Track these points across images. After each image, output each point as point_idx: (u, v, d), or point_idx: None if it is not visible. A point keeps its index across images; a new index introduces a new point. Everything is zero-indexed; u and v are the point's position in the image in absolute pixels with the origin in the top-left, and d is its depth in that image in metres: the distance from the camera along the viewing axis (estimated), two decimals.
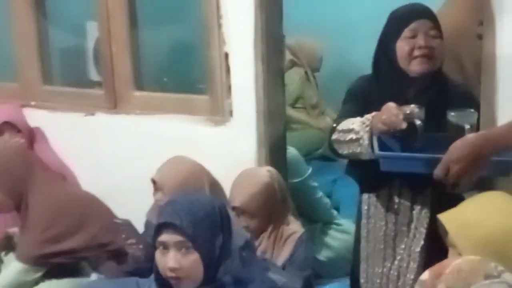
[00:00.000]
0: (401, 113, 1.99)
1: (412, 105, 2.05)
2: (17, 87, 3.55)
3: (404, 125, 1.98)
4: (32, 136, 3.31)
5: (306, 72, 4.51)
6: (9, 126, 3.25)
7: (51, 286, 2.74)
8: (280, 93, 2.79)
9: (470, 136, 1.87)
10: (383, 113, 2.05)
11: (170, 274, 1.86)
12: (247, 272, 1.91)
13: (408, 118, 2.00)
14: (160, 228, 1.86)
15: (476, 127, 2.04)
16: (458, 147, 1.84)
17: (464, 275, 1.26)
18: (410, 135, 2.04)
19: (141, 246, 2.47)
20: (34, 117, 3.39)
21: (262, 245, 2.49)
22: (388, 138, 2.09)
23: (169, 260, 1.84)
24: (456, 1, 2.99)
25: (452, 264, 1.30)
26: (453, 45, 2.59)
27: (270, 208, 2.47)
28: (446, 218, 1.72)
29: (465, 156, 1.82)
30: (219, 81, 2.79)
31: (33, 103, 3.46)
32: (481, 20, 2.27)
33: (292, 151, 3.17)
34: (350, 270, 2.59)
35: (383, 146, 2.05)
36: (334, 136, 2.26)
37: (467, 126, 1.97)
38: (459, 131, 1.97)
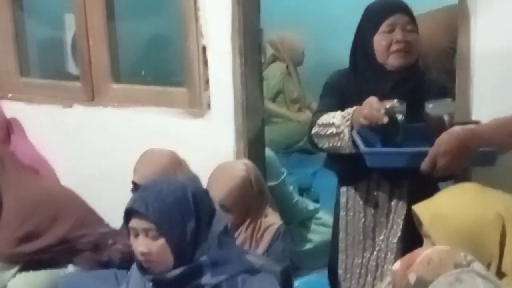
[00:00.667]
0: (382, 107, 2.01)
1: (394, 100, 2.06)
2: None
3: (385, 120, 1.99)
4: (9, 128, 3.28)
5: (287, 67, 4.52)
6: None
7: (28, 279, 2.73)
8: (258, 86, 2.78)
9: (457, 130, 1.88)
10: (364, 107, 2.06)
11: (141, 258, 1.90)
12: (225, 254, 1.93)
13: (390, 113, 2.02)
14: (129, 214, 1.91)
15: (453, 116, 2.06)
16: (444, 141, 1.86)
17: (434, 265, 1.28)
18: (392, 129, 2.05)
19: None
20: (11, 109, 3.37)
21: (240, 237, 2.48)
22: (367, 132, 2.10)
23: (139, 245, 1.89)
24: (430, 19, 3.07)
25: (422, 254, 1.32)
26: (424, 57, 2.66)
27: (247, 201, 2.47)
28: (420, 209, 1.74)
29: (452, 149, 1.85)
30: (197, 74, 2.78)
31: (10, 95, 3.44)
32: (455, 37, 2.30)
33: (268, 152, 3.15)
34: (328, 261, 2.62)
35: (366, 142, 2.06)
36: (314, 130, 2.28)
37: (445, 117, 1.98)
38: (439, 122, 1.98)
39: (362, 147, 2.03)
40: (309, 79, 4.59)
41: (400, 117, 2.04)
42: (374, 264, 2.42)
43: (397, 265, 1.34)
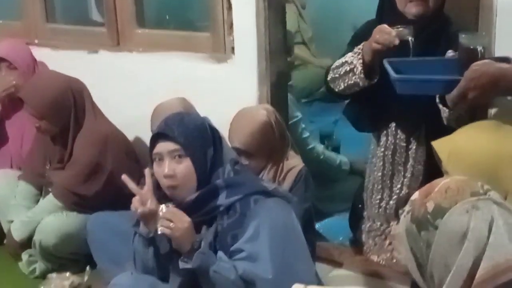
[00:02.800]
0: (393, 31, 2.12)
1: (400, 26, 2.15)
2: (20, 25, 3.57)
3: (397, 41, 2.10)
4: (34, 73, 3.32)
5: (297, 7, 4.52)
6: (6, 63, 3.26)
7: (61, 217, 2.81)
8: (281, 30, 2.78)
9: (490, 66, 1.88)
10: (375, 33, 2.15)
11: (166, 182, 1.98)
12: (239, 178, 2.03)
13: (399, 36, 2.12)
14: (155, 140, 2.00)
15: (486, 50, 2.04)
16: (476, 75, 1.87)
17: (452, 193, 1.31)
18: (403, 52, 2.14)
19: None
20: (38, 54, 3.41)
21: None
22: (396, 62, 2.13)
23: (164, 168, 1.96)
24: None
25: (440, 183, 1.35)
26: None
27: (269, 146, 2.49)
28: (439, 145, 1.77)
29: (482, 85, 1.86)
30: (220, 18, 2.79)
31: (36, 41, 3.48)
32: None
33: None
34: (352, 204, 2.68)
35: (396, 70, 2.08)
36: (329, 76, 2.35)
37: (479, 48, 1.96)
38: (472, 52, 1.97)
39: (392, 73, 2.06)
40: (316, 21, 4.61)
41: (409, 38, 2.13)
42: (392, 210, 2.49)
43: (416, 194, 1.37)
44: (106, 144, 2.85)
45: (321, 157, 3.44)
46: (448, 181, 1.35)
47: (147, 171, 2.02)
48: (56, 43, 3.42)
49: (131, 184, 2.01)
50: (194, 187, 1.97)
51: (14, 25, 3.62)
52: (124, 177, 2.03)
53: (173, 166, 1.96)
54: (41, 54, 3.42)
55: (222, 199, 1.97)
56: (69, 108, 2.85)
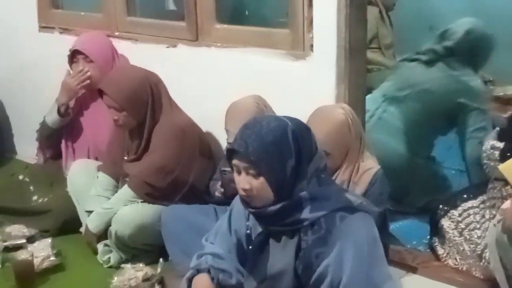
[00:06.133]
0: None
1: None
2: (102, 17, 3.64)
3: None
4: (114, 65, 3.37)
5: (380, 11, 4.43)
6: (82, 55, 3.32)
7: (137, 208, 2.86)
8: (362, 28, 2.74)
9: None
10: None
11: (242, 193, 1.98)
12: (324, 190, 1.97)
13: None
14: (231, 152, 1.98)
15: None
16: None
17: None
18: None
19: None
20: (118, 47, 3.48)
21: (338, 181, 2.50)
22: None
23: (240, 181, 1.97)
24: None
25: None
26: None
27: (345, 145, 2.48)
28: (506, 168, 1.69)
29: None
30: (301, 15, 2.76)
31: (117, 33, 3.54)
32: None
33: None
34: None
35: None
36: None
37: None
38: None
39: None
40: (401, 25, 4.49)
41: None
42: None
43: (507, 203, 1.33)
44: (183, 137, 2.88)
45: None
46: None
47: None
48: (135, 36, 3.47)
49: None
50: (271, 198, 1.95)
51: (96, 17, 3.69)
52: None
53: (249, 180, 1.95)
54: (121, 46, 3.48)
55: (307, 213, 1.93)
56: (146, 101, 2.90)
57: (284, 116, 2.02)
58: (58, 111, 3.33)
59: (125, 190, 2.91)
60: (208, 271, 2.15)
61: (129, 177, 2.94)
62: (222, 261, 2.17)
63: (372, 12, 4.34)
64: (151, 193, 2.87)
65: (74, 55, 3.34)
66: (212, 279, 2.14)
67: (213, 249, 2.22)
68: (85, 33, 3.51)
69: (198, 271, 2.18)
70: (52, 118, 3.36)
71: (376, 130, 3.28)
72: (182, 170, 2.88)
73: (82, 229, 3.06)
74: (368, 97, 3.39)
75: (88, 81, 3.28)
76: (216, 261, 2.18)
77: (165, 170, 2.86)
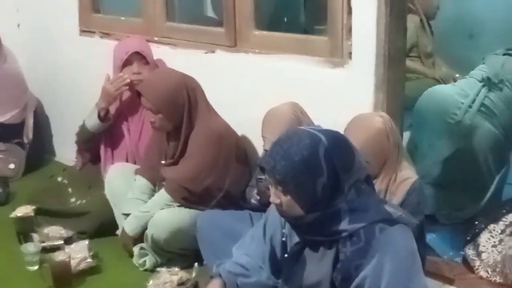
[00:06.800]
0: None
1: None
2: (141, 22, 3.68)
3: None
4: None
5: (421, 20, 4.39)
6: (139, 57, 3.37)
7: (173, 212, 2.88)
8: (402, 37, 2.72)
9: None
10: None
11: (274, 205, 2.00)
12: (363, 202, 1.94)
13: None
14: (262, 168, 1.99)
15: None
16: None
17: None
18: None
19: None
20: (157, 52, 3.51)
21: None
22: None
23: (271, 194, 1.97)
24: None
25: None
26: None
27: (383, 154, 2.46)
28: None
29: None
30: (340, 23, 2.76)
31: (156, 38, 3.57)
32: None
33: None
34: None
35: None
36: None
37: None
38: None
39: None
40: (442, 33, 4.45)
41: None
42: None
43: None
44: (219, 143, 2.90)
45: None
46: None
47: None
48: (174, 41, 3.50)
49: None
50: (301, 213, 1.93)
51: (136, 22, 3.73)
52: None
53: (278, 195, 1.94)
54: (160, 51, 3.51)
55: (345, 225, 1.91)
56: (183, 104, 2.92)
57: (320, 130, 1.97)
58: (98, 116, 3.37)
59: (162, 194, 2.93)
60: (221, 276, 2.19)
61: (166, 181, 2.96)
62: (242, 269, 2.19)
63: (413, 20, 4.31)
64: (188, 197, 2.89)
65: (129, 58, 3.37)
66: (225, 284, 2.17)
67: (237, 259, 2.24)
68: (134, 37, 3.55)
69: (211, 277, 2.22)
70: (92, 122, 3.40)
71: (480, 116, 3.22)
72: (218, 176, 2.89)
73: (119, 232, 3.09)
74: (463, 81, 3.37)
75: (127, 87, 3.33)
76: (235, 266, 2.20)
77: (201, 175, 2.88)
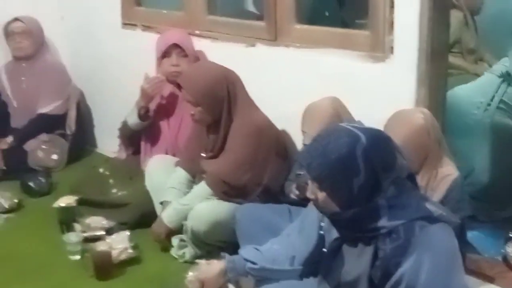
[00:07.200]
0: None
1: None
2: (183, 16, 3.70)
3: None
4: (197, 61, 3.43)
5: (465, 16, 4.32)
6: (178, 49, 3.40)
7: (213, 204, 2.90)
8: (445, 32, 2.69)
9: None
10: None
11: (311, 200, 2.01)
12: (403, 199, 1.93)
13: None
14: (300, 165, 1.98)
15: None
16: None
17: None
18: None
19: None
20: (197, 45, 3.53)
21: None
22: None
23: (308, 189, 1.98)
24: None
25: None
26: None
27: (424, 150, 2.44)
28: None
29: None
30: (381, 17, 2.73)
31: (197, 32, 3.59)
32: None
33: None
34: None
35: None
36: None
37: None
38: None
39: None
40: (486, 29, 4.37)
41: None
42: None
43: None
44: (259, 137, 2.90)
45: None
46: None
47: None
48: (215, 34, 3.51)
49: None
50: (337, 209, 1.94)
51: (177, 15, 3.76)
52: None
53: (314, 190, 1.95)
54: (201, 45, 3.54)
55: (384, 221, 1.89)
56: (222, 98, 2.93)
57: (360, 129, 1.95)
58: (139, 115, 3.41)
59: (202, 187, 2.95)
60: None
61: (207, 174, 2.98)
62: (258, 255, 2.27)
63: (456, 16, 4.25)
64: (228, 191, 2.91)
65: (168, 50, 3.40)
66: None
67: (261, 247, 2.32)
68: (175, 30, 3.57)
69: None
70: (133, 120, 3.45)
71: (499, 113, 3.18)
72: (258, 170, 2.91)
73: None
74: (483, 77, 3.32)
75: (163, 88, 3.39)
76: (250, 252, 2.29)
77: (241, 169, 2.89)
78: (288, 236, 2.32)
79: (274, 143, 2.98)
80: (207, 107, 2.93)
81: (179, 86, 3.04)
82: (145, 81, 3.38)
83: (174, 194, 3.06)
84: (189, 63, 3.36)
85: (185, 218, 2.93)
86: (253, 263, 2.26)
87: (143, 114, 3.42)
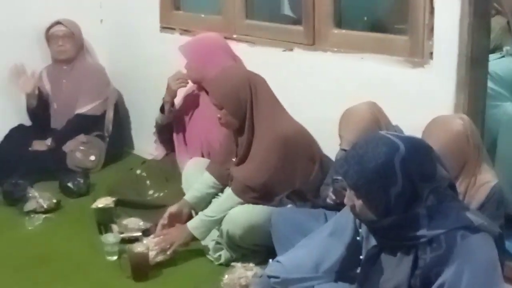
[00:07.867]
0: None
1: None
2: (221, 20, 3.72)
3: None
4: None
5: (508, 22, 4.26)
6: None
7: (248, 209, 2.91)
8: (485, 37, 2.66)
9: None
10: None
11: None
12: (443, 208, 1.90)
13: None
14: (337, 172, 1.99)
15: None
16: None
17: None
18: None
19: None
20: (235, 49, 3.55)
21: None
22: None
23: (346, 196, 1.98)
24: None
25: None
26: None
27: (463, 157, 2.41)
28: None
29: None
30: (421, 22, 2.72)
31: (235, 36, 3.61)
32: None
33: None
34: None
35: None
36: None
37: None
38: None
39: None
40: None
41: None
42: None
43: None
44: (285, 145, 2.90)
45: None
46: None
47: None
48: (253, 39, 3.53)
49: None
50: (374, 218, 1.92)
51: (215, 19, 3.78)
52: None
53: (352, 197, 1.94)
54: (239, 49, 3.55)
55: (424, 230, 1.87)
56: (245, 99, 2.95)
57: (400, 137, 1.93)
58: (161, 107, 3.49)
59: (228, 197, 2.97)
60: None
61: (233, 181, 3.00)
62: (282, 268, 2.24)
63: (498, 22, 4.19)
64: (254, 197, 2.92)
65: None
66: None
67: (284, 257, 2.31)
68: (212, 33, 3.61)
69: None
70: (158, 114, 3.57)
71: None
72: (287, 175, 2.91)
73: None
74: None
75: (185, 85, 3.49)
76: (275, 267, 2.26)
77: (265, 174, 2.90)
78: (318, 235, 2.30)
79: (305, 148, 2.97)
80: (231, 109, 2.95)
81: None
82: (172, 76, 3.46)
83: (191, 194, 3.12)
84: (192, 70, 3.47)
85: (211, 230, 2.97)
86: (276, 277, 2.24)
87: (167, 109, 3.50)
